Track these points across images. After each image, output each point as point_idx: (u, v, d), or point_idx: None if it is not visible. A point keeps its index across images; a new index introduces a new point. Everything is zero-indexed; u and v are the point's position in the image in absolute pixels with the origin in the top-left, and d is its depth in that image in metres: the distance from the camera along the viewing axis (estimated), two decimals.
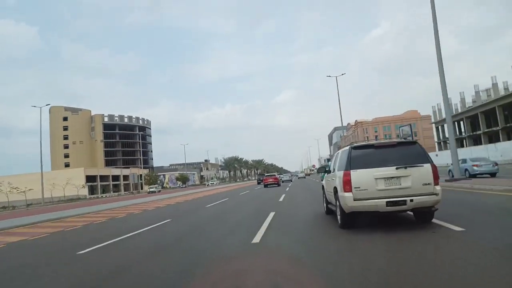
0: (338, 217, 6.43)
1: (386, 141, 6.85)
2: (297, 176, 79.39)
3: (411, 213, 6.30)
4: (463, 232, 5.08)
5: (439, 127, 75.05)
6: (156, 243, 6.98)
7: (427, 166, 5.66)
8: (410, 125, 71.87)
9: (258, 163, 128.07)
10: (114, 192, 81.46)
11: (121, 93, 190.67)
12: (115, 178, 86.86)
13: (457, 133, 68.66)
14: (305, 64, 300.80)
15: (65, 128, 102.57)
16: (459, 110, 68.88)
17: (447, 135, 74.63)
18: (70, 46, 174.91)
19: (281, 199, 14.87)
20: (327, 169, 8.26)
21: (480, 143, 59.65)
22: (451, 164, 17.91)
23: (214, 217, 11.03)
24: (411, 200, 5.46)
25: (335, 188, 6.53)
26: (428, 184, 5.58)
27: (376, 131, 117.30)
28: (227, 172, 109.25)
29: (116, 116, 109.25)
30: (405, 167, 5.58)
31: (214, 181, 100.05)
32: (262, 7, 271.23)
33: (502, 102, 51.73)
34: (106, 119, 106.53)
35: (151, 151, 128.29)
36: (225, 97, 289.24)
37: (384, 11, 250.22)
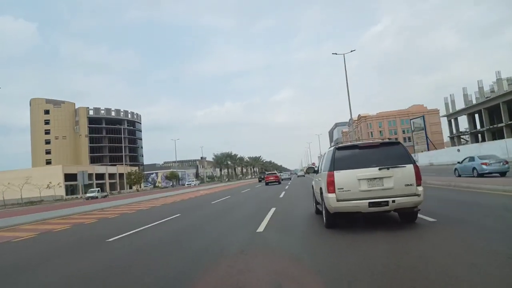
0: (324, 217, 6.63)
1: (370, 141, 6.72)
2: (296, 174, 75.74)
3: (396, 212, 6.42)
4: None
5: (452, 120, 69.57)
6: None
7: (410, 166, 5.76)
8: (423, 116, 66.66)
9: (255, 161, 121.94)
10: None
11: (120, 90, 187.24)
12: (100, 176, 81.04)
13: (473, 126, 63.54)
14: (304, 61, 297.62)
15: (47, 122, 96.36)
16: (474, 102, 63.49)
17: (461, 129, 70.14)
18: (69, 43, 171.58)
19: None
20: (316, 169, 8.49)
21: (502, 137, 54.61)
22: (458, 163, 17.93)
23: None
24: (393, 201, 5.60)
25: (321, 188, 6.66)
26: (411, 185, 5.69)
27: (380, 126, 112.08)
28: (225, 170, 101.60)
29: (103, 110, 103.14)
30: (388, 168, 5.71)
31: (193, 181, 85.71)
32: (262, 4, 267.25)
33: None
34: (91, 112, 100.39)
35: (141, 147, 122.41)
36: (225, 94, 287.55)
37: (383, 8, 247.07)
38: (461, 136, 68.06)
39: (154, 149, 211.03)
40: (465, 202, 8.91)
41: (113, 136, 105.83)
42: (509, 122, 47.59)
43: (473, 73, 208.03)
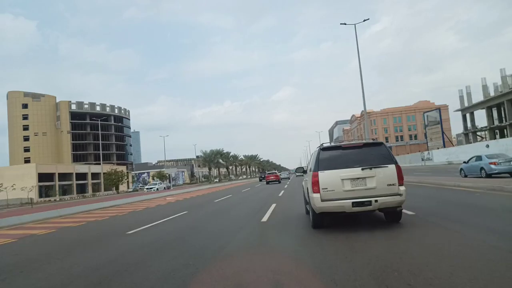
0: (310, 217, 6.84)
1: (353, 142, 6.91)
2: (295, 173, 72.60)
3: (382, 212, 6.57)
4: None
5: (467, 115, 64.19)
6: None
7: (392, 167, 5.94)
8: (439, 109, 61.19)
9: (251, 159, 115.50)
10: (78, 193, 69.97)
11: (119, 90, 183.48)
12: (81, 176, 75.19)
13: (492, 121, 58.47)
14: (304, 60, 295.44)
15: (25, 117, 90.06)
16: (492, 94, 58.26)
17: (478, 124, 64.94)
18: (68, 42, 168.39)
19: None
20: (305, 169, 8.76)
21: None
22: (464, 162, 17.44)
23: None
24: (376, 201, 5.74)
25: (307, 188, 6.91)
26: (393, 184, 5.87)
27: (385, 123, 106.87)
28: (216, 170, 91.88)
29: (86, 104, 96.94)
30: (370, 168, 5.86)
31: (155, 184, 55.23)
32: (261, 4, 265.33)
33: None
34: (73, 106, 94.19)
35: (130, 145, 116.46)
36: (224, 94, 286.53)
37: (383, 7, 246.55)
38: (477, 133, 62.86)
39: (154, 149, 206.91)
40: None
41: (98, 133, 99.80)
42: None
43: (473, 73, 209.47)
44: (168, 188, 55.41)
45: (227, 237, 6.77)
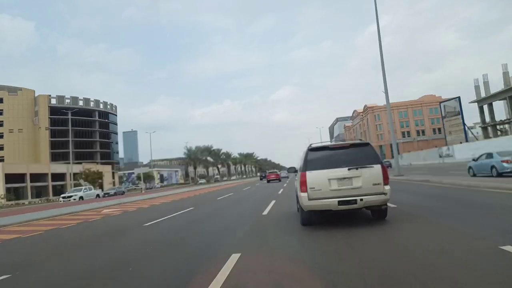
0: (299, 214, 7.28)
1: (340, 142, 7.20)
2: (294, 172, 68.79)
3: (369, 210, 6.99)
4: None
5: (484, 106, 58.57)
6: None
7: (377, 167, 6.15)
8: (459, 98, 55.35)
9: (247, 158, 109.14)
10: (55, 195, 63.51)
11: (119, 90, 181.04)
12: (59, 177, 68.79)
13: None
14: (304, 60, 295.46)
15: (0, 112, 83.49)
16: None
17: (498, 117, 59.67)
18: (67, 42, 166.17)
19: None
20: (297, 168, 9.14)
21: None
22: (473, 160, 16.84)
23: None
24: (361, 200, 6.00)
25: (297, 187, 7.15)
26: (378, 184, 6.09)
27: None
28: (205, 170, 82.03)
29: (68, 98, 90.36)
30: (357, 168, 6.08)
31: (78, 191, 36.04)
32: (261, 3, 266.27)
33: None
34: (53, 101, 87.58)
35: (117, 143, 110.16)
36: (224, 93, 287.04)
37: (383, 7, 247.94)
38: (497, 127, 57.41)
39: (154, 148, 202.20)
40: None
41: (81, 130, 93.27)
42: None
43: (473, 71, 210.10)
44: (122, 193, 42.04)
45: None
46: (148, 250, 6.11)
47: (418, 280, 3.30)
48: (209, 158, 74.08)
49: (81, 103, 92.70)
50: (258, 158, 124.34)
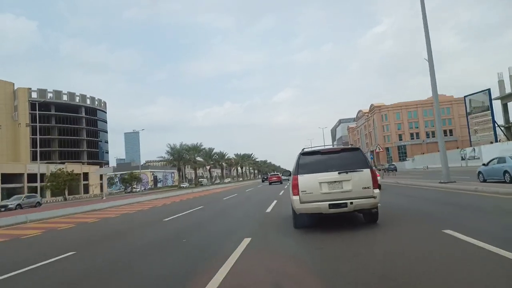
0: (292, 217, 7.35)
1: (331, 147, 8.15)
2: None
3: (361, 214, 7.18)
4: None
5: (509, 104, 52.44)
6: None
7: (367, 171, 6.35)
8: (489, 90, 48.15)
9: (244, 159, 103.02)
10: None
11: (119, 90, 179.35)
12: (37, 178, 62.82)
13: None
14: (305, 61, 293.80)
15: None
16: None
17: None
18: (68, 42, 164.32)
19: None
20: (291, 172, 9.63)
21: None
22: (483, 165, 16.30)
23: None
24: (351, 203, 6.17)
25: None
26: (368, 187, 6.28)
27: (398, 118, 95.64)
28: (193, 171, 71.42)
29: (50, 92, 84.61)
30: (347, 172, 6.28)
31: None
32: (262, 4, 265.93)
33: None
34: (34, 95, 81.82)
35: (106, 142, 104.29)
36: (224, 95, 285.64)
37: (383, 7, 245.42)
38: None
39: (154, 150, 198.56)
40: None
41: (66, 127, 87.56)
42: None
43: (473, 74, 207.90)
44: (36, 205, 32.62)
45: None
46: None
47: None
48: (199, 158, 66.55)
49: (65, 97, 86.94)
50: (257, 160, 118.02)
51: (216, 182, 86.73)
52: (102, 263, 5.75)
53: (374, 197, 6.24)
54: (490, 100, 48.63)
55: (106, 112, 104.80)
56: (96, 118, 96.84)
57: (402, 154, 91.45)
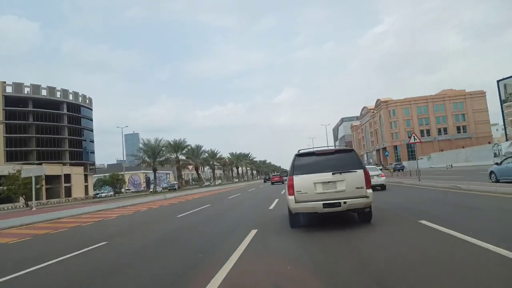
0: (289, 217, 7.64)
1: (326, 149, 7.67)
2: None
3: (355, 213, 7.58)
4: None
5: None
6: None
7: (360, 171, 6.61)
8: None
9: (240, 159, 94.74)
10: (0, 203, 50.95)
11: (120, 91, 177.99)
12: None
13: None
14: (306, 61, 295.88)
15: None
16: None
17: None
18: (70, 42, 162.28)
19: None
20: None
21: None
22: (495, 164, 16.34)
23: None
24: (345, 202, 6.42)
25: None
26: (361, 188, 6.55)
27: (407, 114, 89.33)
28: (177, 172, 61.46)
29: (27, 86, 77.93)
30: (340, 173, 6.55)
31: None
32: (263, 4, 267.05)
33: None
34: (9, 89, 75.16)
35: (92, 141, 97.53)
36: (226, 95, 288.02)
37: (385, 8, 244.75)
38: None
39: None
40: None
41: (45, 124, 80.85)
42: None
43: (474, 73, 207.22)
44: None
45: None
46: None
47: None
48: (182, 157, 58.79)
49: (44, 92, 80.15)
50: (254, 159, 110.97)
51: (205, 184, 79.56)
52: None
53: (367, 197, 6.52)
54: None
55: (91, 109, 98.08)
56: (79, 115, 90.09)
57: (412, 153, 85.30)
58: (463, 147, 56.24)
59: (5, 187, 38.91)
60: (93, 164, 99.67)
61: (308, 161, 6.91)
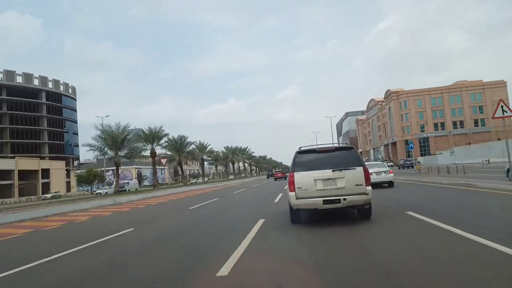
0: (290, 213, 7.74)
1: (326, 146, 7.63)
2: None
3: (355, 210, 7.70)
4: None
5: None
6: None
7: (360, 169, 6.72)
8: None
9: (236, 153, 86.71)
10: None
11: (122, 88, 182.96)
12: None
13: None
14: (308, 59, 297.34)
15: None
16: None
17: None
18: (72, 40, 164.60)
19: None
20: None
21: None
22: None
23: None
24: (345, 199, 6.53)
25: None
26: (360, 185, 6.66)
27: (420, 106, 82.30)
28: (176, 169, 54.80)
29: (0, 72, 70.94)
30: (340, 170, 6.67)
31: None
32: (265, 2, 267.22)
33: None
34: None
35: (75, 133, 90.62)
36: (228, 92, 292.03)
37: (388, 7, 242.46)
38: None
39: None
40: None
41: (20, 114, 74.00)
42: None
43: (478, 73, 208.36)
44: None
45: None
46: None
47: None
48: (159, 150, 50.09)
49: (19, 79, 73.11)
50: (252, 154, 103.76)
51: (191, 182, 71.78)
52: None
53: (366, 194, 6.64)
54: None
55: (75, 99, 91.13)
56: (61, 105, 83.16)
57: (425, 148, 78.57)
58: (499, 139, 49.42)
59: None
60: (78, 158, 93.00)
61: (308, 158, 7.09)
